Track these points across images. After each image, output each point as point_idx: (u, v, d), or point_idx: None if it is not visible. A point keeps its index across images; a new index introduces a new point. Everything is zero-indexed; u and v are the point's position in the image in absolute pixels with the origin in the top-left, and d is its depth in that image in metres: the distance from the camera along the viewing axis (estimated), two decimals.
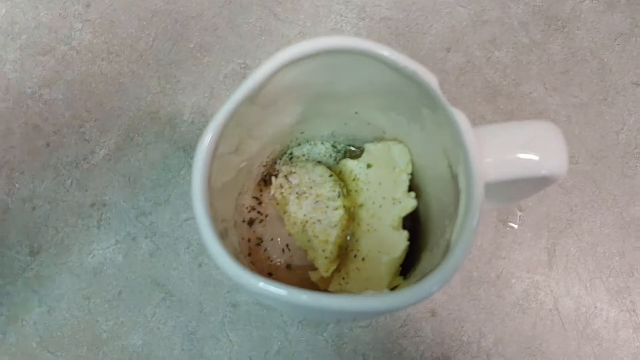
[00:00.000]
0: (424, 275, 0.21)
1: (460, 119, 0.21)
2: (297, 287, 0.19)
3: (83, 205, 0.33)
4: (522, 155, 0.22)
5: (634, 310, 0.32)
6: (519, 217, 0.34)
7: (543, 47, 0.36)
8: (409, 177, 0.27)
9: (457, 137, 0.21)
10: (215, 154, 0.22)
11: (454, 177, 0.23)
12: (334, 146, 0.32)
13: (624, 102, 0.35)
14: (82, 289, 0.32)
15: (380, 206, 0.28)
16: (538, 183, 0.23)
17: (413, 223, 0.29)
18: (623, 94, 0.35)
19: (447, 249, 0.21)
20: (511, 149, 0.22)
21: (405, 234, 0.27)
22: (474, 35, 0.36)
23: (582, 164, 0.34)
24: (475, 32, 0.36)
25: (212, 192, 0.23)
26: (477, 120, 0.34)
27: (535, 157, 0.22)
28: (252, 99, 0.23)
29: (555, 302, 0.32)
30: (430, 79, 0.21)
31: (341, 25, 0.36)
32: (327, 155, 0.32)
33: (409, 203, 0.27)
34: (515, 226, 0.34)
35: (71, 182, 0.33)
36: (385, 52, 0.21)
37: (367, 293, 0.20)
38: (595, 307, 0.32)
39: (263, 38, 0.36)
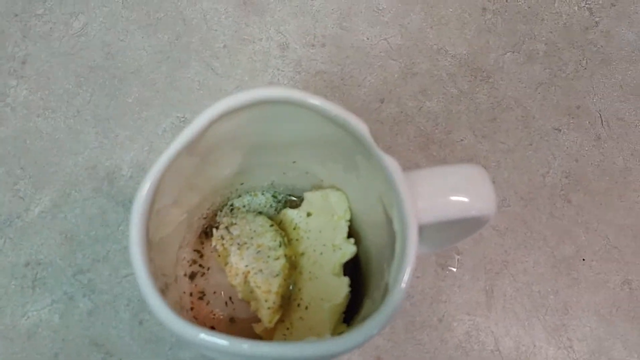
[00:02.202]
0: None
1: (392, 164, 0.22)
2: (238, 338, 0.19)
3: (17, 265, 0.32)
4: (453, 198, 0.23)
5: (571, 347, 0.33)
6: (457, 260, 0.35)
7: (470, 97, 0.38)
8: (348, 223, 0.28)
9: (389, 183, 0.22)
10: (153, 207, 0.22)
11: (389, 222, 0.23)
12: (274, 196, 0.32)
13: (548, 146, 0.37)
14: (14, 354, 0.30)
15: (321, 253, 0.28)
16: (470, 224, 0.24)
17: (355, 270, 0.29)
18: (546, 139, 0.37)
19: (385, 291, 0.22)
20: (442, 192, 0.23)
21: (346, 280, 0.27)
22: (405, 87, 0.38)
23: (513, 206, 0.36)
24: (406, 84, 0.38)
25: (151, 246, 0.23)
26: (411, 167, 0.35)
27: (465, 199, 0.23)
28: (190, 150, 0.23)
29: (496, 342, 0.33)
30: (361, 127, 0.22)
31: (278, 79, 0.37)
32: (268, 206, 0.32)
33: (349, 249, 0.27)
34: (454, 269, 0.34)
35: (4, 242, 0.32)
36: (316, 101, 0.22)
37: (309, 339, 0.20)
38: (534, 345, 0.33)
39: (201, 92, 0.36)
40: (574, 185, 0.37)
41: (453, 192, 0.23)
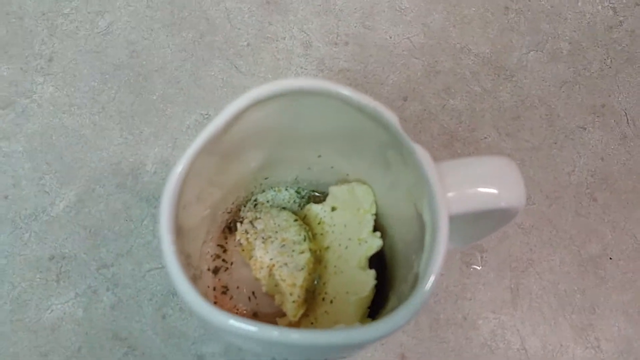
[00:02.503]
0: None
1: (423, 154, 0.22)
2: (267, 324, 0.19)
3: (41, 259, 0.32)
4: (482, 189, 0.22)
5: (598, 347, 0.33)
6: (481, 258, 0.34)
7: (494, 95, 0.38)
8: (374, 217, 0.28)
9: (419, 172, 0.22)
10: (181, 198, 0.22)
11: (418, 214, 0.23)
12: (297, 192, 0.32)
13: (573, 145, 0.37)
14: (39, 346, 0.30)
15: (347, 247, 0.28)
16: (499, 216, 0.24)
17: (379, 264, 0.29)
18: (571, 138, 0.37)
19: (415, 282, 0.22)
20: (471, 183, 0.22)
21: (372, 272, 0.27)
22: (428, 85, 0.38)
23: (538, 204, 0.36)
24: (430, 82, 0.38)
25: (181, 234, 0.23)
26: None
27: (494, 191, 0.22)
28: (211, 148, 0.23)
29: (522, 341, 0.33)
30: (390, 117, 0.22)
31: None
32: (292, 202, 0.32)
33: (375, 243, 0.27)
34: (479, 268, 0.34)
35: (29, 235, 0.32)
36: (346, 91, 0.22)
37: (338, 327, 0.20)
38: (561, 345, 0.33)
39: (225, 90, 0.37)
40: (599, 183, 0.36)
41: (482, 183, 0.22)
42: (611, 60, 0.39)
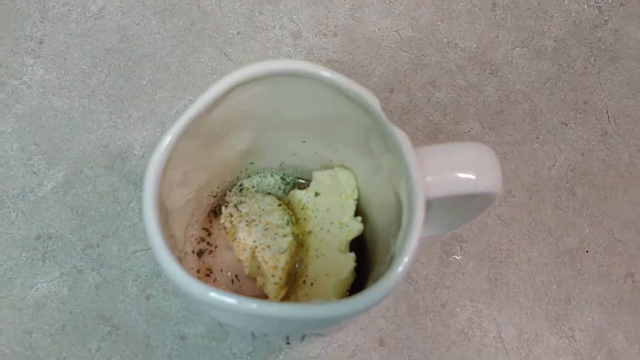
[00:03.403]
0: None
1: (402, 137, 0.22)
2: (247, 297, 0.20)
3: (28, 238, 0.32)
4: (460, 174, 0.23)
5: (572, 337, 0.34)
6: (461, 248, 0.35)
7: (479, 89, 0.38)
8: (356, 202, 0.28)
9: (398, 155, 0.22)
10: (164, 178, 0.23)
11: (397, 197, 0.24)
12: (282, 179, 0.33)
13: (555, 140, 0.38)
14: (23, 323, 0.31)
15: (328, 231, 0.29)
16: (477, 203, 0.25)
17: (360, 249, 0.30)
18: (553, 133, 0.38)
19: (391, 262, 0.22)
20: (450, 168, 0.23)
21: (352, 255, 0.27)
22: (415, 78, 0.38)
23: (518, 197, 0.36)
24: (416, 75, 0.38)
25: (166, 213, 0.23)
26: None
27: (472, 176, 0.23)
28: (195, 129, 0.23)
29: (498, 329, 0.33)
30: (372, 100, 0.23)
31: None
32: (277, 187, 0.33)
33: (356, 227, 0.28)
34: (459, 257, 0.35)
35: (17, 215, 0.33)
36: (328, 74, 0.22)
37: (315, 301, 0.21)
38: (536, 334, 0.34)
39: (214, 77, 0.37)
40: (579, 178, 0.37)
41: (461, 168, 0.23)
42: (595, 59, 0.40)
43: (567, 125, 0.38)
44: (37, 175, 0.34)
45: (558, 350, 0.33)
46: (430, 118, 0.38)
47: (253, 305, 0.19)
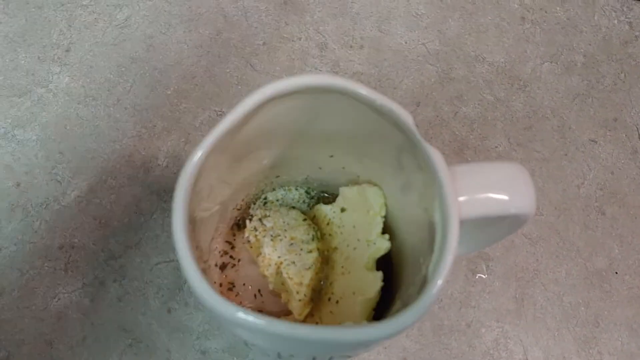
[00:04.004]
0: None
1: (436, 155, 0.22)
2: (275, 318, 0.19)
3: (51, 248, 0.32)
4: (493, 195, 0.22)
5: None
6: (487, 267, 0.34)
7: (507, 104, 0.38)
8: (383, 219, 0.28)
9: (432, 174, 0.22)
10: (191, 198, 0.22)
11: (429, 217, 0.23)
12: (307, 192, 0.32)
13: (584, 157, 0.37)
14: (44, 334, 0.31)
15: (355, 248, 0.28)
16: (508, 223, 0.24)
17: (386, 267, 0.29)
18: (582, 150, 0.37)
19: (423, 284, 0.22)
20: (483, 188, 0.22)
21: (379, 274, 0.27)
22: (442, 92, 0.38)
23: (546, 215, 0.36)
24: (443, 89, 0.38)
25: (194, 224, 0.23)
26: None
27: (505, 197, 0.22)
28: (224, 144, 0.23)
29: (525, 351, 0.33)
30: (406, 116, 0.22)
31: None
32: (301, 201, 0.32)
33: (383, 245, 0.27)
34: (484, 276, 0.34)
35: (40, 224, 0.33)
36: (362, 90, 0.22)
37: (347, 324, 0.20)
38: (564, 357, 0.33)
39: (239, 87, 0.37)
40: (608, 197, 0.36)
41: (494, 188, 0.23)
42: (625, 75, 0.40)
43: (596, 142, 0.38)
44: (61, 184, 0.34)
45: None
46: (457, 133, 0.37)
47: (283, 327, 0.19)
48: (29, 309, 0.31)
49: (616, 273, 0.35)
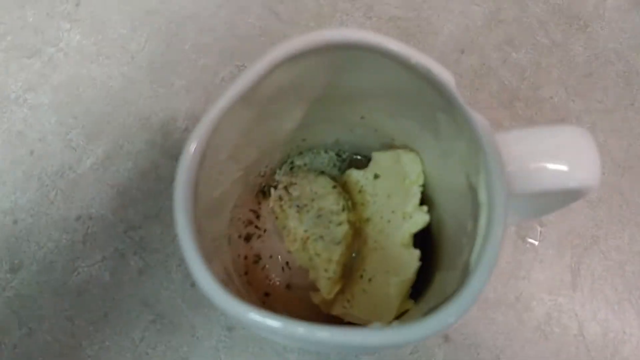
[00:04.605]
0: (438, 302, 0.18)
1: (481, 123, 0.18)
2: (293, 319, 0.17)
3: (68, 219, 0.31)
4: (549, 165, 0.19)
5: None
6: (540, 232, 0.31)
7: (564, 49, 0.33)
8: (421, 189, 0.25)
9: (477, 144, 0.18)
10: (204, 164, 0.20)
11: (473, 190, 0.20)
12: (338, 155, 0.29)
13: None
14: (65, 310, 0.29)
15: (389, 221, 0.25)
16: (566, 196, 0.21)
17: (424, 239, 0.26)
18: None
19: (465, 273, 0.19)
20: (537, 158, 0.19)
21: (416, 253, 0.24)
22: (489, 36, 0.34)
23: (607, 174, 0.32)
24: (490, 33, 0.34)
25: (200, 212, 0.20)
26: (493, 127, 0.32)
27: (564, 167, 0.19)
28: (247, 99, 0.20)
29: (580, 326, 0.30)
30: (446, 77, 0.19)
31: (347, 25, 0.34)
32: (331, 165, 0.29)
33: (421, 218, 0.24)
34: (536, 243, 0.31)
35: (56, 194, 0.31)
36: (395, 46, 0.19)
37: (373, 325, 0.17)
38: (624, 332, 0.30)
39: (263, 39, 0.34)
40: None
41: (550, 158, 0.19)
42: None
43: None
44: (76, 151, 0.32)
45: None
46: (506, 82, 0.33)
47: (300, 330, 0.16)
48: (48, 283, 0.30)
49: None
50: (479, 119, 0.18)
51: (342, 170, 0.29)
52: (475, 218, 0.20)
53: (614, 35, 0.34)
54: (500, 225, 0.18)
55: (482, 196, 0.19)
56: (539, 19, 0.34)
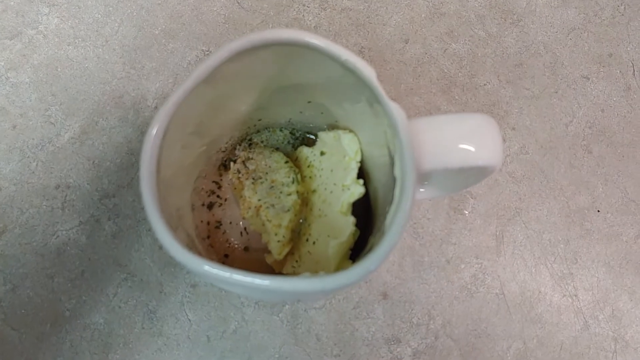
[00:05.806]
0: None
1: (397, 111, 0.22)
2: (238, 269, 0.20)
3: (48, 187, 0.34)
4: (459, 146, 0.23)
5: (576, 296, 0.34)
6: (469, 205, 0.35)
7: (498, 40, 0.37)
8: (358, 165, 0.29)
9: (393, 128, 0.22)
10: (166, 139, 0.23)
11: (392, 166, 0.24)
12: (292, 133, 0.33)
13: (574, 95, 0.37)
14: (45, 269, 0.33)
15: (331, 192, 0.29)
16: (476, 173, 0.25)
17: (365, 210, 0.30)
18: (573, 87, 0.37)
19: (382, 234, 0.23)
20: (449, 140, 0.23)
21: (352, 219, 0.28)
22: (431, 27, 0.37)
23: (531, 154, 0.36)
24: (433, 24, 0.37)
25: (163, 185, 0.24)
26: (432, 110, 0.36)
27: (471, 148, 0.23)
28: (209, 81, 0.24)
29: (501, 286, 0.34)
30: (369, 72, 0.22)
31: (303, 15, 0.37)
32: (286, 142, 0.33)
33: (357, 190, 0.28)
34: (467, 213, 0.35)
35: (37, 164, 0.34)
36: (323, 44, 0.22)
37: (304, 275, 0.21)
38: (540, 291, 0.34)
39: (227, 26, 0.37)
40: (597, 135, 0.36)
41: (460, 140, 0.23)
42: (625, 7, 0.38)
43: (588, 79, 0.37)
44: (55, 126, 0.35)
45: (560, 308, 0.34)
46: (446, 70, 0.37)
47: (246, 279, 0.20)
48: (30, 245, 0.33)
49: (598, 211, 0.35)
50: (395, 107, 0.22)
51: (296, 147, 0.33)
52: (393, 189, 0.23)
53: (543, 29, 0.38)
54: (409, 195, 0.21)
55: (397, 171, 0.23)
56: (477, 13, 0.38)
